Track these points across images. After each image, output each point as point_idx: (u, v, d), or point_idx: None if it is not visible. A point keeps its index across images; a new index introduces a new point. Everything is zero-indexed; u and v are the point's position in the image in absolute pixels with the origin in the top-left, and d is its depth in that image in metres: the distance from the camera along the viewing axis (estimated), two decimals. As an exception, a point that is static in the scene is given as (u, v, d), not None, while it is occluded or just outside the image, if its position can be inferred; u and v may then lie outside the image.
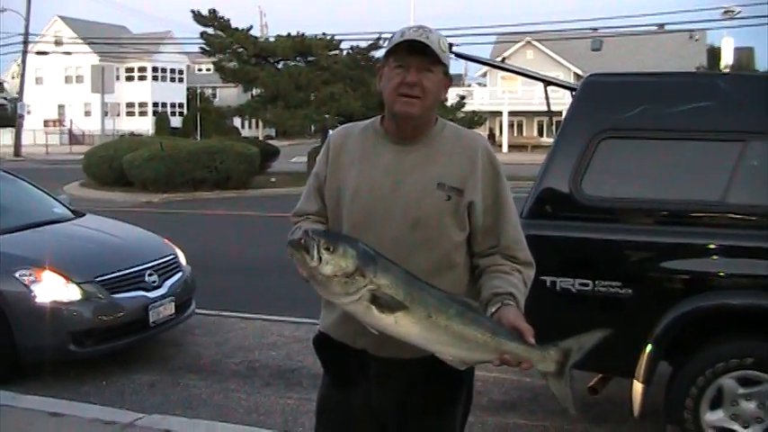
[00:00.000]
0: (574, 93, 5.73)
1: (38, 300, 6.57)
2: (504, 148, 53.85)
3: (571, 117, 5.32)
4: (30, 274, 6.61)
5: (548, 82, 6.69)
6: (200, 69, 75.77)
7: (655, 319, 4.77)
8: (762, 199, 4.92)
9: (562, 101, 5.43)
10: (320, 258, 2.45)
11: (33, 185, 8.69)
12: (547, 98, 6.78)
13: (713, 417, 4.78)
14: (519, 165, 25.84)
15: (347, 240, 2.53)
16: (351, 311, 2.52)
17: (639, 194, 5.15)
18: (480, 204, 2.77)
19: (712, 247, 4.90)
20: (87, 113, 66.29)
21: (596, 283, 4.92)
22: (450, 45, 6.33)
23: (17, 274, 6.60)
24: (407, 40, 2.68)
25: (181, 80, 74.22)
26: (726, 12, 45.03)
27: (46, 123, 67.39)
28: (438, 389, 2.78)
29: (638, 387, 4.80)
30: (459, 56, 6.13)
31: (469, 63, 54.94)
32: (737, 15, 43.99)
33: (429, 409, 2.83)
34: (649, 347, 4.75)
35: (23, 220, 7.62)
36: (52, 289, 6.63)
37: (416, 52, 2.67)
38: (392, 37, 2.74)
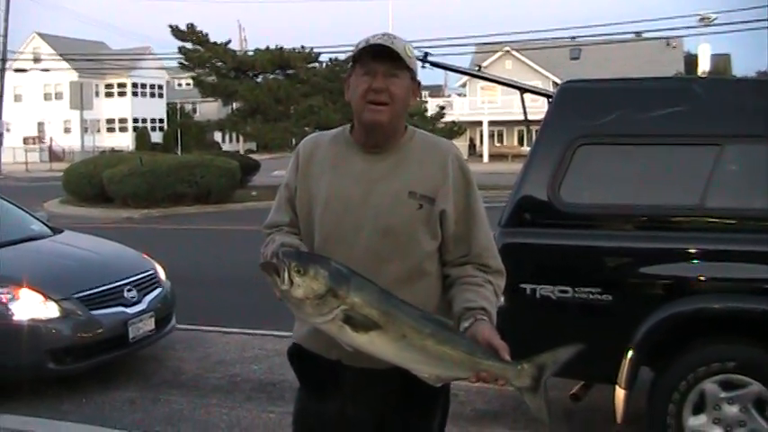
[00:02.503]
0: (550, 100, 5.73)
1: (16, 318, 6.49)
2: (485, 158, 54.09)
3: (548, 124, 5.31)
4: (7, 292, 6.53)
5: (523, 89, 6.71)
6: (179, 84, 75.76)
7: (635, 325, 4.76)
8: (739, 202, 4.94)
9: (542, 110, 5.44)
10: (291, 281, 2.44)
11: (10, 202, 8.60)
12: (524, 106, 6.79)
13: (696, 422, 4.76)
14: (500, 174, 25.90)
15: (319, 261, 2.52)
16: (325, 330, 2.51)
17: (617, 200, 5.15)
18: (452, 213, 2.75)
19: (691, 251, 4.91)
20: (67, 130, 66.04)
21: (576, 289, 4.91)
22: (426, 54, 6.39)
23: (-6, 293, 6.52)
24: (372, 44, 2.68)
25: (161, 95, 74.12)
26: (702, 19, 45.31)
27: (26, 141, 67.01)
28: (415, 399, 2.76)
29: (620, 393, 4.79)
30: (434, 65, 6.14)
31: (449, 73, 55.22)
32: (714, 22, 44.29)
33: (405, 420, 2.81)
34: (631, 353, 4.74)
35: (0, 238, 7.53)
36: (30, 306, 6.54)
37: (382, 57, 2.67)
38: (357, 45, 2.74)
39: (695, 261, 4.93)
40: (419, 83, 2.81)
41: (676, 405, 4.75)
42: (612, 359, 4.76)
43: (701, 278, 4.88)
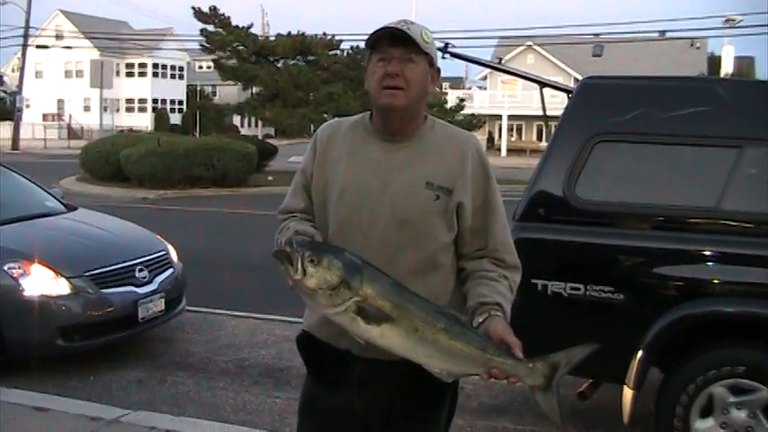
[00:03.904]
0: (570, 95, 5.68)
1: (26, 293, 6.51)
2: (503, 152, 53.95)
3: (566, 119, 5.26)
4: (18, 267, 6.55)
5: (543, 84, 6.64)
6: (200, 67, 75.83)
7: (646, 325, 4.72)
8: (756, 206, 4.88)
9: (561, 106, 5.39)
10: (304, 271, 2.40)
11: (26, 178, 8.63)
12: (542, 100, 6.73)
13: (703, 425, 4.73)
14: (517, 168, 25.82)
15: (333, 251, 2.48)
16: (336, 321, 2.48)
17: (633, 199, 5.10)
18: (470, 205, 2.70)
19: (706, 253, 4.86)
20: (86, 108, 66.27)
21: (588, 287, 4.87)
22: (447, 44, 6.35)
23: (6, 267, 6.54)
24: (387, 29, 2.64)
25: (181, 77, 74.20)
26: (727, 20, 45.00)
27: (45, 117, 67.23)
28: (423, 392, 2.72)
29: (628, 393, 4.76)
30: (454, 55, 6.10)
31: (470, 66, 55.11)
32: (738, 24, 43.98)
33: (413, 412, 2.77)
34: (640, 353, 4.71)
35: (14, 213, 7.54)
36: (41, 283, 6.57)
37: (397, 43, 2.63)
38: (373, 32, 2.70)
39: (709, 263, 4.89)
40: (438, 69, 2.75)
41: (684, 407, 4.72)
42: (622, 359, 4.72)
43: (715, 281, 4.83)
